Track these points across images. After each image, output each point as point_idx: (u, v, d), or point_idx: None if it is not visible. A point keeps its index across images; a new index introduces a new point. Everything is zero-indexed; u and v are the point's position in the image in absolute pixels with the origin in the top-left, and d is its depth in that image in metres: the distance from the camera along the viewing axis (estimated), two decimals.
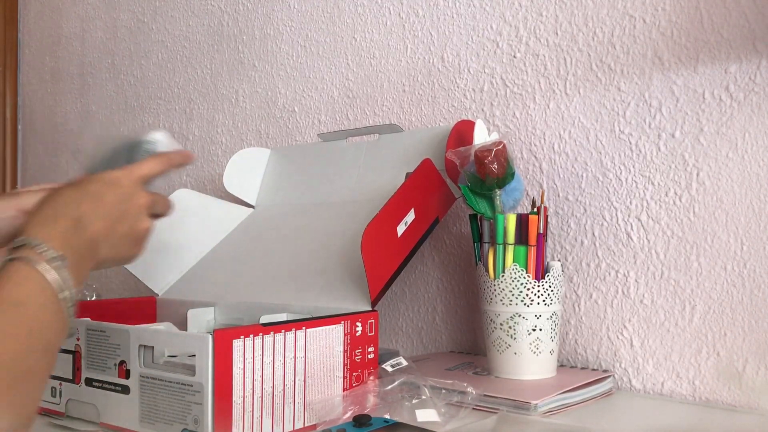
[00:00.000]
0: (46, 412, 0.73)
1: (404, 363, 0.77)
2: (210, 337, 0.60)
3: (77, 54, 1.66)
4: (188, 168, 1.42)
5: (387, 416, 0.65)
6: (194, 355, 0.61)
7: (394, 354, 0.83)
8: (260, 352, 0.64)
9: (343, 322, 0.73)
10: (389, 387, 0.72)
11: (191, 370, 0.61)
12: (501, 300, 0.82)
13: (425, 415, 0.66)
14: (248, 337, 0.63)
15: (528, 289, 0.81)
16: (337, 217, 0.97)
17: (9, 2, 1.79)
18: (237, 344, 0.62)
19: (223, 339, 0.61)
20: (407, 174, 0.88)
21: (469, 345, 1.02)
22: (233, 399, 0.61)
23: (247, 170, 1.13)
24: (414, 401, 0.69)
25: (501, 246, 0.82)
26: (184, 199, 1.03)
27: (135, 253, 0.67)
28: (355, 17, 1.16)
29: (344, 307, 0.77)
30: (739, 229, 0.80)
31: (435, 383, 0.73)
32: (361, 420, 0.64)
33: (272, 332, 0.65)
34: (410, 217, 0.83)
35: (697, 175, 0.83)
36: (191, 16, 1.42)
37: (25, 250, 0.52)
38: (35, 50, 1.78)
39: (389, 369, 0.76)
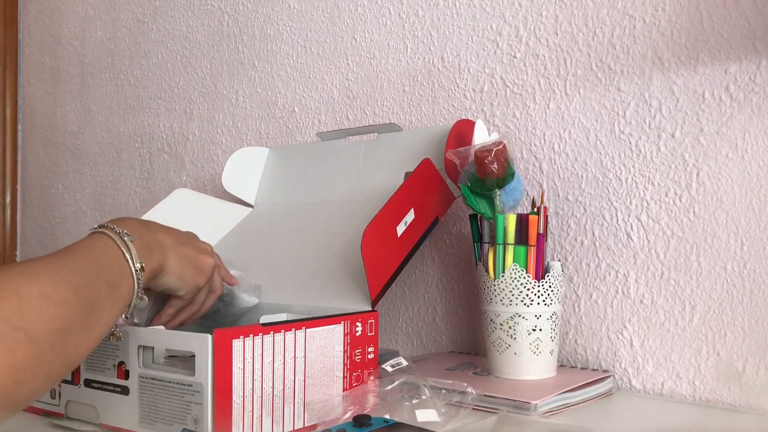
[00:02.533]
0: (45, 413, 0.73)
1: (404, 363, 0.77)
2: (210, 337, 0.60)
3: (77, 54, 1.66)
4: (188, 168, 1.42)
5: (387, 416, 0.65)
6: (194, 355, 0.61)
7: (394, 354, 0.83)
8: (260, 352, 0.64)
9: (343, 322, 0.73)
10: (389, 387, 0.71)
11: (192, 366, 0.61)
12: (501, 300, 0.82)
13: (425, 415, 0.66)
14: (248, 337, 0.63)
15: (528, 289, 0.81)
16: (336, 217, 0.97)
17: (9, 2, 1.79)
18: (237, 344, 0.62)
19: (223, 339, 0.61)
20: (406, 173, 0.88)
21: (469, 345, 1.02)
22: (233, 399, 0.61)
23: (246, 170, 1.13)
24: (414, 401, 0.69)
25: (501, 246, 0.82)
26: (183, 198, 1.03)
27: (198, 282, 0.72)
28: (355, 17, 1.16)
29: (344, 307, 0.77)
30: (739, 229, 0.80)
31: (435, 383, 0.73)
32: (361, 420, 0.64)
33: (272, 332, 0.65)
34: (410, 216, 0.83)
35: (697, 175, 0.83)
36: (191, 16, 1.42)
37: (99, 229, 0.62)
38: (35, 50, 1.78)
39: (389, 369, 0.76)
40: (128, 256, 0.61)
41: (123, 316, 0.62)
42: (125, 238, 0.61)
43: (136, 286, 0.61)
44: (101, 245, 0.60)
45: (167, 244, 0.68)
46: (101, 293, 0.57)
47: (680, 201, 0.84)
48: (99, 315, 0.56)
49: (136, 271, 0.61)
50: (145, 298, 0.63)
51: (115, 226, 0.62)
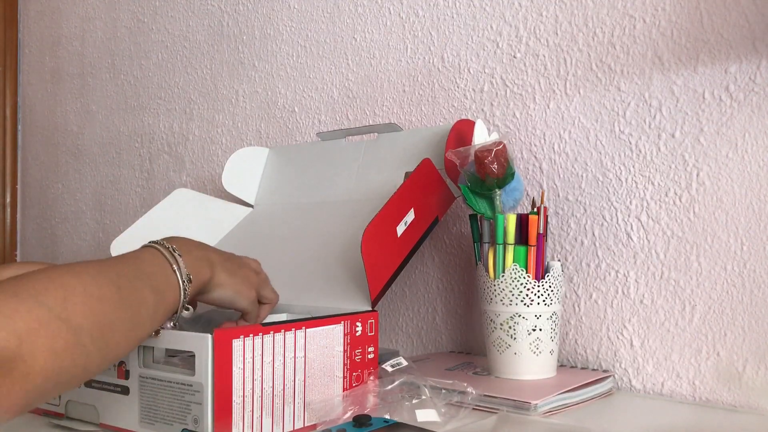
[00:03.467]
0: (45, 413, 0.73)
1: (404, 363, 0.77)
2: (210, 337, 0.60)
3: (77, 54, 1.66)
4: (188, 168, 1.42)
5: (387, 416, 0.65)
6: (193, 355, 0.61)
7: (394, 354, 0.83)
8: (260, 352, 0.64)
9: (343, 322, 0.73)
10: (389, 387, 0.71)
11: (192, 366, 0.61)
12: (501, 300, 0.82)
13: (425, 415, 0.66)
14: (248, 337, 0.63)
15: (528, 289, 0.81)
16: (336, 217, 0.97)
17: (9, 2, 1.79)
18: (237, 344, 0.62)
19: (223, 339, 0.61)
20: (406, 173, 0.88)
21: (469, 345, 1.02)
22: (233, 399, 0.61)
23: (246, 169, 1.13)
24: (414, 401, 0.69)
25: (501, 246, 0.82)
26: (183, 198, 1.03)
27: (251, 294, 0.72)
28: (355, 17, 1.16)
29: (344, 307, 0.77)
30: (739, 229, 0.80)
31: (435, 383, 0.73)
32: (361, 420, 0.64)
33: (272, 332, 0.65)
34: (410, 216, 0.83)
35: (697, 175, 0.83)
36: (191, 16, 1.42)
37: (149, 244, 0.65)
38: (35, 50, 1.78)
39: (389, 369, 0.76)
40: (175, 267, 0.63)
41: (170, 324, 0.64)
42: (174, 253, 0.63)
43: (182, 296, 0.63)
44: (149, 256, 0.62)
45: (215, 261, 0.69)
46: (145, 296, 0.58)
47: (680, 201, 0.84)
48: (142, 316, 0.58)
49: (183, 282, 0.63)
50: (191, 308, 0.65)
51: (164, 242, 0.64)
